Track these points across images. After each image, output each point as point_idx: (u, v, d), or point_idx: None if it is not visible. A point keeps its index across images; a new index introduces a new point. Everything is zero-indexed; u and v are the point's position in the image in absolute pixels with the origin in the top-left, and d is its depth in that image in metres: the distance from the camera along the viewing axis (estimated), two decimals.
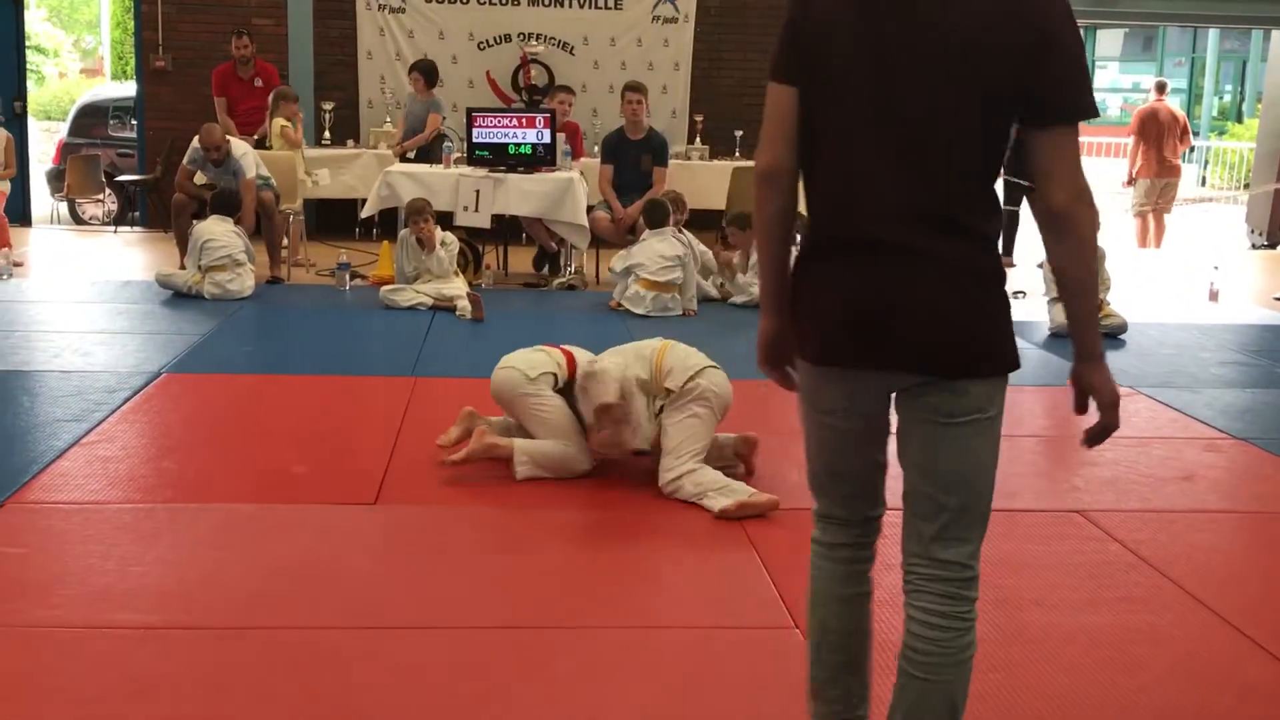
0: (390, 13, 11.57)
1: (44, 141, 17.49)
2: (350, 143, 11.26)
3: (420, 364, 6.58)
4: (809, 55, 2.29)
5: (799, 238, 2.43)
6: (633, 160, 9.60)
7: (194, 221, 8.77)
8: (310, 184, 10.26)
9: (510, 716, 3.00)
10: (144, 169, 12.10)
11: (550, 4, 11.68)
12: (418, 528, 4.27)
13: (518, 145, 9.19)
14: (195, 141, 8.97)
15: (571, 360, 4.81)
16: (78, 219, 13.30)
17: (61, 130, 15.05)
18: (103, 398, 5.67)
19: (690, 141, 11.53)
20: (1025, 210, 9.49)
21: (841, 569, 2.51)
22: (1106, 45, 30.52)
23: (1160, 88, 13.15)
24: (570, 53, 11.76)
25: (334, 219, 11.19)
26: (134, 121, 12.74)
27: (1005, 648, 3.36)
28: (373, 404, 5.76)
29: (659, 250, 8.15)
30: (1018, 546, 4.15)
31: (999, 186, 2.41)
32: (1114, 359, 7.13)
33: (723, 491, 4.41)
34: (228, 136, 9.13)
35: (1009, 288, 2.38)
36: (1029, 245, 10.24)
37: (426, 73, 10.39)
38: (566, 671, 3.22)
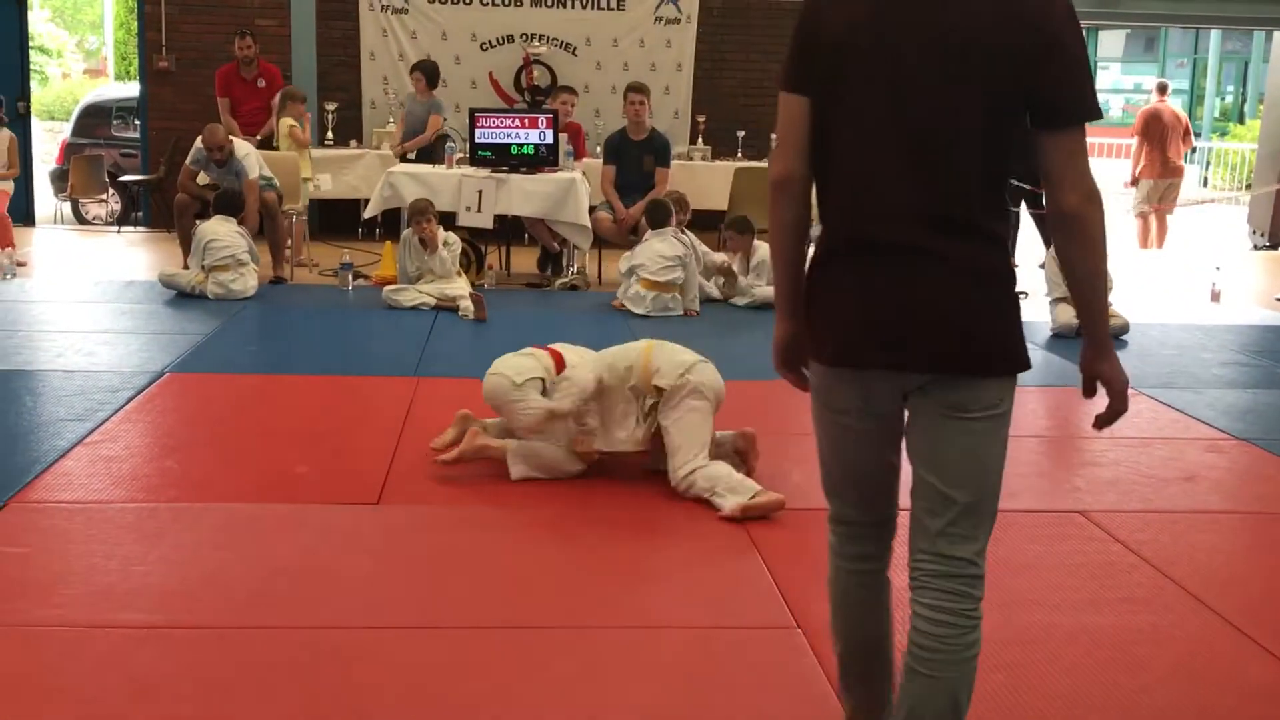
0: (393, 13, 11.58)
1: (47, 142, 17.51)
2: (353, 143, 11.27)
3: (423, 364, 6.59)
4: (822, 63, 2.33)
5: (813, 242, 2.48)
6: (635, 161, 9.61)
7: (197, 221, 8.78)
8: (312, 188, 10.27)
9: (511, 716, 3.01)
10: (147, 169, 12.11)
11: (553, 5, 11.69)
12: (420, 528, 4.27)
13: (520, 146, 9.19)
14: (198, 142, 8.98)
15: (560, 362, 4.85)
16: (81, 219, 13.32)
17: (65, 130, 15.07)
18: (106, 397, 5.68)
19: (692, 142, 11.53)
20: (1023, 212, 9.48)
21: (861, 578, 2.58)
22: (1109, 46, 30.50)
23: (1162, 89, 13.15)
24: (573, 53, 11.77)
25: (337, 219, 11.20)
26: (137, 122, 12.75)
27: (1007, 648, 3.36)
28: (375, 404, 5.77)
29: (659, 250, 8.15)
30: (1019, 547, 4.15)
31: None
32: None
33: (734, 489, 4.40)
34: (230, 137, 9.14)
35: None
36: (1029, 246, 10.25)
37: (428, 73, 10.39)
38: (568, 671, 3.22)
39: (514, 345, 5.08)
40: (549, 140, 9.20)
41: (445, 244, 8.25)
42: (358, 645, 3.32)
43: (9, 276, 8.90)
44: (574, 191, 8.94)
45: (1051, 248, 9.67)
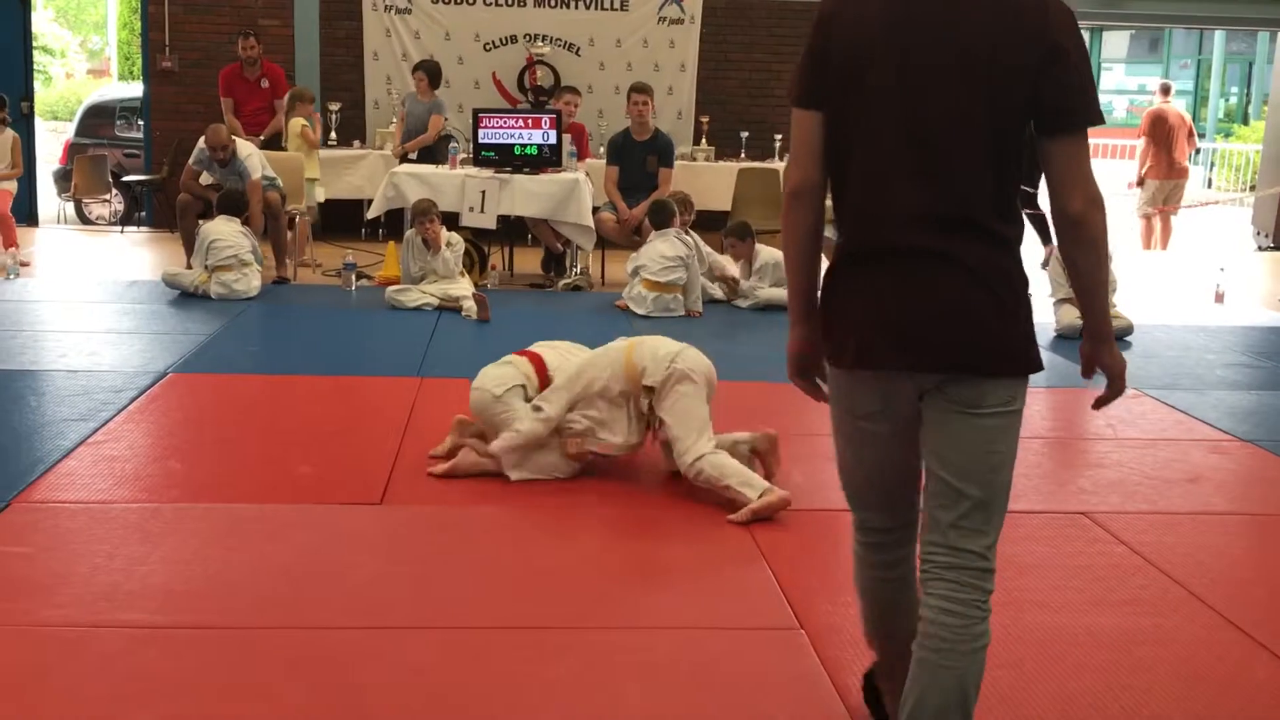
0: (396, 14, 11.58)
1: (51, 142, 17.50)
2: (356, 143, 11.28)
3: (426, 364, 6.59)
4: (836, 77, 2.40)
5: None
6: (638, 161, 9.60)
7: (200, 221, 8.79)
8: (319, 193, 10.26)
9: (514, 717, 3.01)
10: (150, 169, 12.12)
11: (556, 5, 11.69)
12: (423, 528, 4.27)
13: (524, 146, 9.20)
14: (201, 142, 8.98)
15: (540, 366, 4.86)
16: (84, 219, 13.32)
17: (68, 130, 15.08)
18: (109, 397, 5.68)
19: (696, 143, 11.53)
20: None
21: (889, 583, 2.64)
22: (1113, 47, 30.48)
23: (1165, 90, 13.15)
24: (576, 54, 11.77)
25: (340, 219, 11.20)
26: (140, 122, 12.76)
27: (1011, 648, 3.36)
28: (378, 404, 5.76)
29: (661, 251, 8.15)
30: (1023, 548, 4.14)
31: None
32: None
33: (747, 483, 4.38)
34: (233, 137, 9.14)
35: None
36: (1028, 246, 10.24)
37: (431, 73, 10.39)
38: (570, 672, 3.22)
39: (517, 345, 5.09)
40: (552, 141, 9.20)
41: (448, 244, 8.25)
42: (360, 645, 3.32)
43: (12, 276, 8.90)
44: (577, 192, 8.94)
45: (1053, 247, 9.71)
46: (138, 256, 10.52)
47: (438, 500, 4.51)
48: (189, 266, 8.66)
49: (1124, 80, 31.02)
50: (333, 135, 11.14)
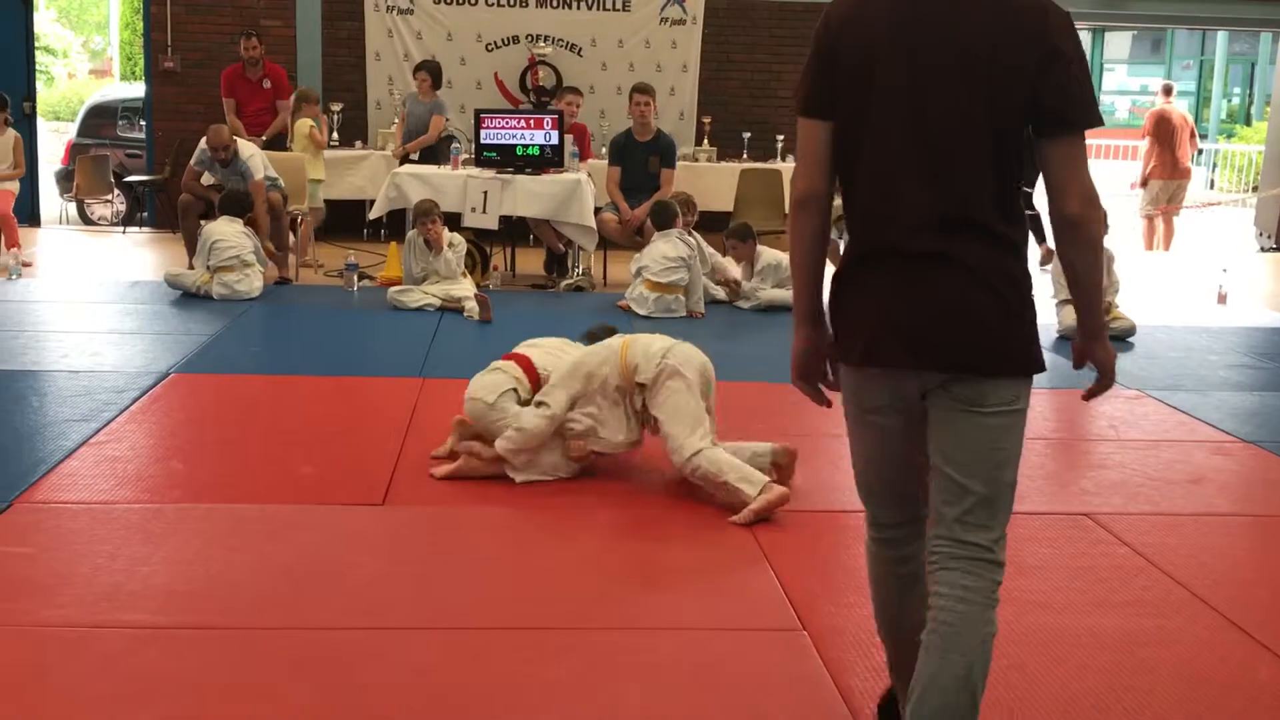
0: (398, 14, 11.58)
1: (53, 142, 17.52)
2: (358, 144, 11.28)
3: (428, 365, 6.58)
4: (843, 85, 2.45)
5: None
6: (640, 162, 9.60)
7: (202, 222, 8.79)
8: (316, 192, 10.27)
9: (516, 717, 3.01)
10: (152, 169, 12.13)
11: (558, 6, 11.69)
12: (425, 529, 4.27)
13: (525, 147, 9.20)
14: (202, 143, 8.99)
15: (529, 367, 4.87)
16: (86, 219, 13.33)
17: (70, 131, 15.09)
18: (111, 398, 5.68)
19: (698, 143, 11.53)
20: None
21: (899, 578, 2.67)
22: (1115, 47, 30.46)
23: (1167, 90, 13.15)
24: (578, 54, 11.77)
25: (342, 220, 11.21)
26: (143, 122, 12.76)
27: (1014, 649, 3.35)
28: (380, 405, 5.76)
29: (663, 251, 8.15)
30: (1026, 549, 4.14)
31: None
32: (1122, 362, 7.09)
33: (744, 480, 4.35)
34: (235, 137, 9.14)
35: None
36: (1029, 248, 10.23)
37: (434, 74, 10.40)
38: (573, 673, 3.22)
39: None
40: (554, 141, 9.20)
41: (450, 245, 8.25)
42: (362, 646, 3.32)
43: (15, 277, 8.91)
44: (579, 192, 8.94)
45: (1048, 247, 9.73)
46: (140, 257, 10.52)
47: (440, 501, 4.51)
48: (191, 267, 8.66)
49: (1126, 81, 31.00)
50: (334, 136, 11.14)
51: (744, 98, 12.14)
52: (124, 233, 12.01)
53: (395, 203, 9.12)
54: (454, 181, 9.06)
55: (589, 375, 4.65)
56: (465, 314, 7.90)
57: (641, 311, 8.02)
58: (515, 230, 9.74)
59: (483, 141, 9.25)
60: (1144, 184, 12.69)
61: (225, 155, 8.86)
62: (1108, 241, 8.40)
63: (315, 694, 3.06)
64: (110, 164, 12.81)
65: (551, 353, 4.98)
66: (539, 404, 4.67)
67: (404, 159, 10.13)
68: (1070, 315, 7.60)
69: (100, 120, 13.78)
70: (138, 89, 14.01)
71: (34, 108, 12.50)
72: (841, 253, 2.58)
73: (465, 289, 8.17)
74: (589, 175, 9.41)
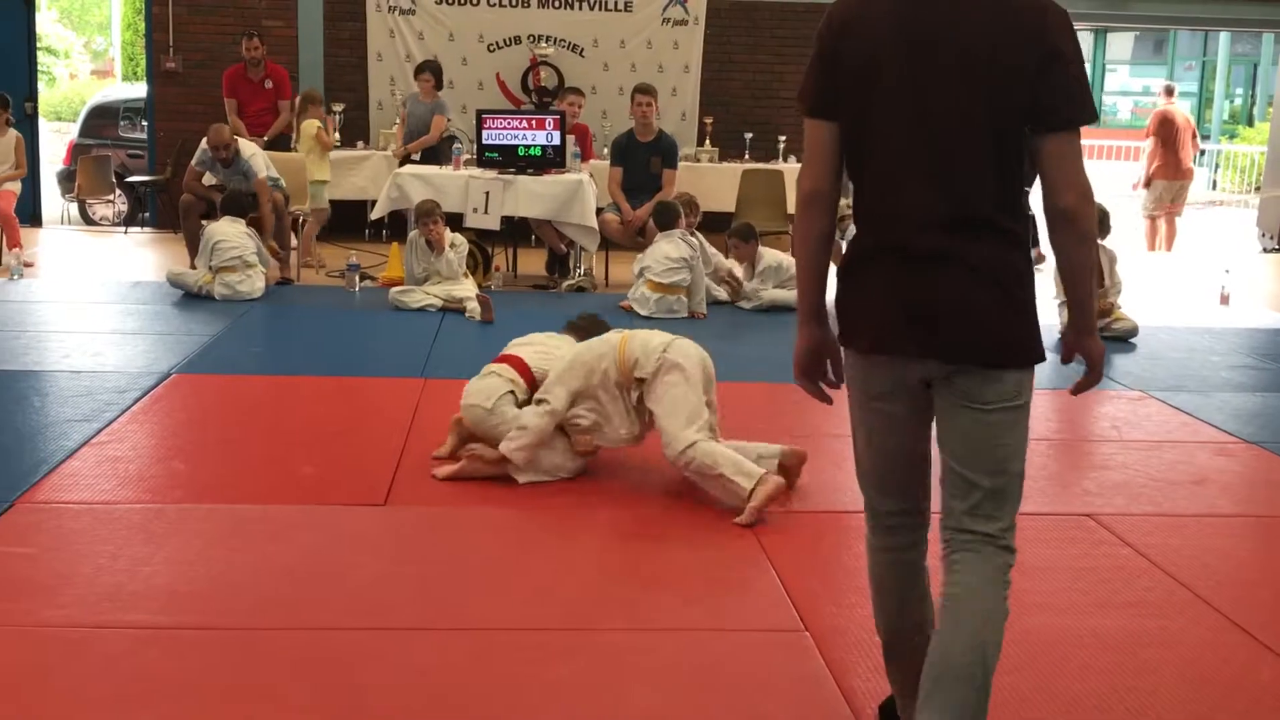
0: (400, 14, 11.58)
1: (55, 142, 17.52)
2: (360, 144, 11.27)
3: (430, 365, 6.58)
4: (848, 86, 2.49)
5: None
6: (642, 162, 9.60)
7: (203, 222, 8.79)
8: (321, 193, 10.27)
9: (518, 718, 3.00)
10: (154, 170, 12.13)
11: (560, 6, 11.69)
12: (426, 529, 4.27)
13: (527, 147, 9.20)
14: (203, 143, 8.99)
15: (523, 368, 4.87)
16: (88, 220, 13.33)
17: (72, 131, 15.08)
18: (113, 398, 5.68)
19: (700, 144, 11.52)
20: None
21: (897, 567, 2.69)
22: (1117, 48, 30.45)
23: (1169, 91, 13.15)
24: (580, 55, 11.77)
25: (344, 220, 11.21)
26: (144, 122, 12.76)
27: (1016, 650, 3.33)
28: (382, 406, 5.76)
29: (666, 252, 8.15)
30: (1028, 550, 4.10)
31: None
32: (1125, 363, 7.15)
33: (739, 472, 4.33)
34: (236, 137, 9.15)
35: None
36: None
37: (438, 74, 10.41)
38: (575, 673, 3.21)
39: None
40: (556, 142, 9.21)
41: (452, 245, 8.25)
42: (364, 646, 3.31)
43: (16, 277, 8.91)
44: (581, 193, 8.93)
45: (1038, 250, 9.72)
46: (141, 257, 10.53)
47: (441, 501, 4.51)
48: (193, 267, 8.66)
49: (1128, 82, 31.01)
50: (336, 136, 11.13)
51: (746, 98, 12.14)
52: (125, 233, 12.01)
53: (397, 203, 9.13)
54: (456, 182, 9.06)
55: (589, 371, 4.65)
56: (467, 314, 7.89)
57: (643, 312, 8.01)
58: (517, 231, 9.74)
59: (484, 142, 9.25)
60: (1147, 184, 12.69)
61: (226, 155, 8.86)
62: (1110, 242, 8.43)
63: (317, 694, 3.06)
64: (112, 164, 12.82)
65: (542, 351, 4.98)
66: (539, 401, 4.66)
67: (405, 159, 10.13)
68: None
69: (102, 121, 13.78)
70: (139, 89, 14.01)
71: (36, 108, 12.50)
72: (843, 253, 2.62)
73: (467, 289, 8.16)
74: (591, 176, 9.41)
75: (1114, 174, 15.84)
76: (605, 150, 10.44)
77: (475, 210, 8.97)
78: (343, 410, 5.74)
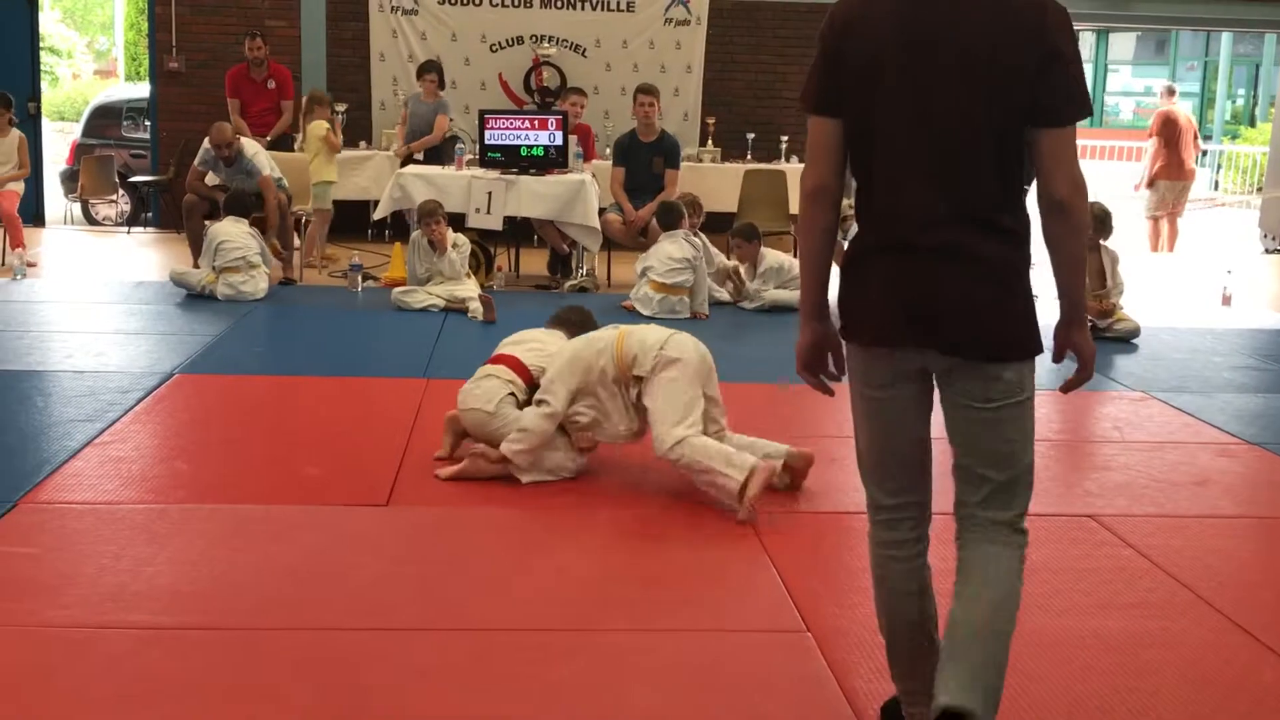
0: (403, 14, 11.58)
1: (58, 142, 17.54)
2: (362, 144, 11.28)
3: (432, 366, 6.59)
4: (851, 85, 2.54)
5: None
6: (644, 162, 9.60)
7: (206, 222, 8.79)
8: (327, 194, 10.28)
9: (519, 718, 3.00)
10: (157, 170, 12.14)
11: (562, 6, 11.69)
12: (429, 529, 4.27)
13: (530, 147, 9.20)
14: (206, 141, 8.99)
15: (519, 367, 4.88)
16: (91, 220, 13.35)
17: (75, 131, 15.11)
18: (116, 398, 5.69)
19: (702, 144, 11.52)
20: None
21: (899, 563, 2.70)
22: (1119, 48, 30.45)
23: (1170, 92, 13.15)
24: (582, 55, 11.77)
25: (346, 221, 11.21)
26: (147, 122, 12.78)
27: (1018, 651, 3.32)
28: (385, 406, 5.76)
29: (669, 252, 8.15)
30: (1030, 551, 4.11)
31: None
32: (1126, 363, 7.15)
33: (729, 465, 4.32)
34: (238, 135, 9.15)
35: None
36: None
37: (442, 74, 10.40)
38: (576, 674, 3.22)
39: None
40: (558, 142, 9.21)
41: (454, 246, 8.25)
42: (366, 647, 3.32)
43: (19, 277, 8.92)
44: (583, 193, 8.94)
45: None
46: (144, 257, 10.54)
47: (444, 502, 4.51)
48: (196, 267, 8.66)
49: (1130, 82, 30.99)
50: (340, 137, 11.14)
51: (748, 98, 12.14)
52: (128, 233, 12.02)
53: (400, 203, 9.13)
54: (458, 182, 9.07)
55: (587, 368, 4.64)
56: (469, 315, 7.90)
57: (646, 312, 8.01)
58: (519, 231, 9.74)
59: (487, 142, 9.26)
60: (1150, 185, 12.68)
61: (229, 153, 8.87)
62: (1112, 243, 8.41)
63: (319, 695, 3.06)
64: (115, 164, 12.83)
65: (536, 348, 4.98)
66: (539, 402, 4.66)
67: (408, 159, 10.13)
68: None
69: (105, 121, 13.80)
70: (142, 89, 14.02)
71: (39, 108, 12.51)
72: (845, 251, 2.67)
73: (469, 289, 8.17)
74: (593, 176, 9.41)
75: (1115, 174, 15.84)
76: (607, 150, 10.44)
77: (478, 210, 8.98)
78: (345, 410, 5.74)
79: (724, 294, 8.68)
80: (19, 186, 10.07)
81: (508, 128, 9.25)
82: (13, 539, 4.00)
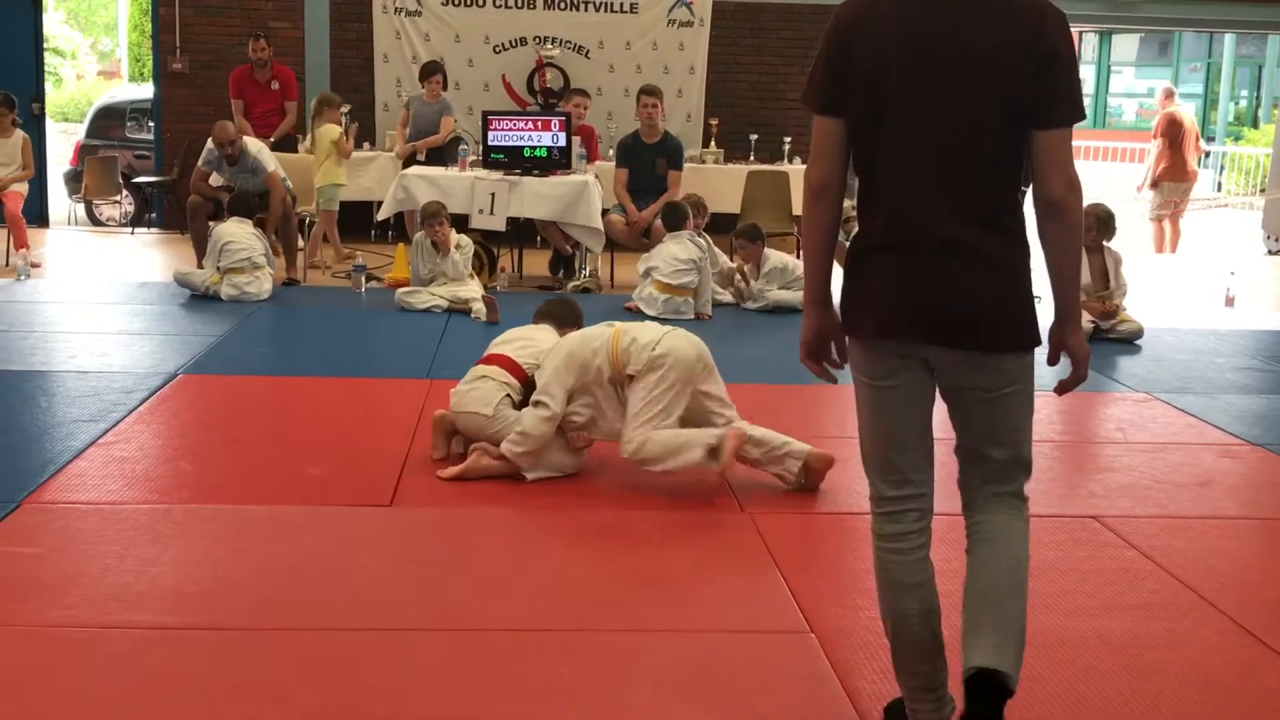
0: (406, 16, 11.59)
1: (62, 143, 17.57)
2: (366, 145, 11.28)
3: (435, 366, 6.59)
4: (855, 86, 2.59)
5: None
6: (647, 164, 9.61)
7: (210, 223, 8.80)
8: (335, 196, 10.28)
9: (521, 718, 3.00)
10: (161, 170, 12.15)
11: (566, 7, 11.70)
12: (432, 530, 4.27)
13: (533, 148, 9.21)
14: (209, 142, 9.00)
15: (514, 367, 4.88)
16: (95, 220, 13.36)
17: (79, 132, 15.13)
18: (119, 398, 5.69)
19: (705, 145, 11.51)
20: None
21: (902, 558, 2.73)
22: (1122, 50, 30.44)
23: (1169, 94, 13.16)
24: (585, 56, 11.77)
25: (350, 221, 11.22)
26: (151, 123, 12.80)
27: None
28: (388, 406, 5.76)
29: (674, 253, 8.15)
30: (1033, 552, 4.08)
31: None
32: (1130, 364, 7.15)
33: (698, 443, 4.38)
34: (241, 135, 9.15)
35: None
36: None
37: (445, 75, 10.40)
38: (579, 674, 3.22)
39: None
40: (562, 143, 9.22)
41: (457, 246, 8.26)
42: (369, 647, 3.32)
43: (23, 278, 8.93)
44: (586, 194, 8.94)
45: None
46: (148, 258, 10.55)
47: (446, 502, 4.51)
48: (200, 267, 8.68)
49: (1133, 84, 30.97)
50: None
51: (751, 99, 12.14)
52: (132, 234, 12.03)
53: (403, 204, 9.14)
54: (461, 183, 9.07)
55: (583, 367, 4.65)
56: (473, 315, 7.90)
57: (650, 312, 8.00)
58: (522, 232, 9.75)
59: (490, 143, 9.27)
60: (1153, 186, 12.68)
61: (232, 151, 8.87)
62: (1115, 244, 8.41)
63: (322, 695, 3.06)
64: (119, 165, 12.85)
65: (526, 345, 4.99)
66: (537, 403, 4.66)
67: (410, 159, 10.14)
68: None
69: (109, 121, 13.82)
70: (146, 90, 14.04)
71: (43, 109, 12.53)
72: (847, 250, 2.72)
73: (472, 290, 8.17)
74: (596, 177, 9.42)
75: (1118, 176, 15.83)
76: (611, 151, 10.44)
77: (481, 211, 8.98)
78: (349, 411, 5.74)
79: (726, 295, 8.68)
80: (23, 187, 10.08)
81: (511, 129, 9.26)
82: (17, 539, 4.00)
